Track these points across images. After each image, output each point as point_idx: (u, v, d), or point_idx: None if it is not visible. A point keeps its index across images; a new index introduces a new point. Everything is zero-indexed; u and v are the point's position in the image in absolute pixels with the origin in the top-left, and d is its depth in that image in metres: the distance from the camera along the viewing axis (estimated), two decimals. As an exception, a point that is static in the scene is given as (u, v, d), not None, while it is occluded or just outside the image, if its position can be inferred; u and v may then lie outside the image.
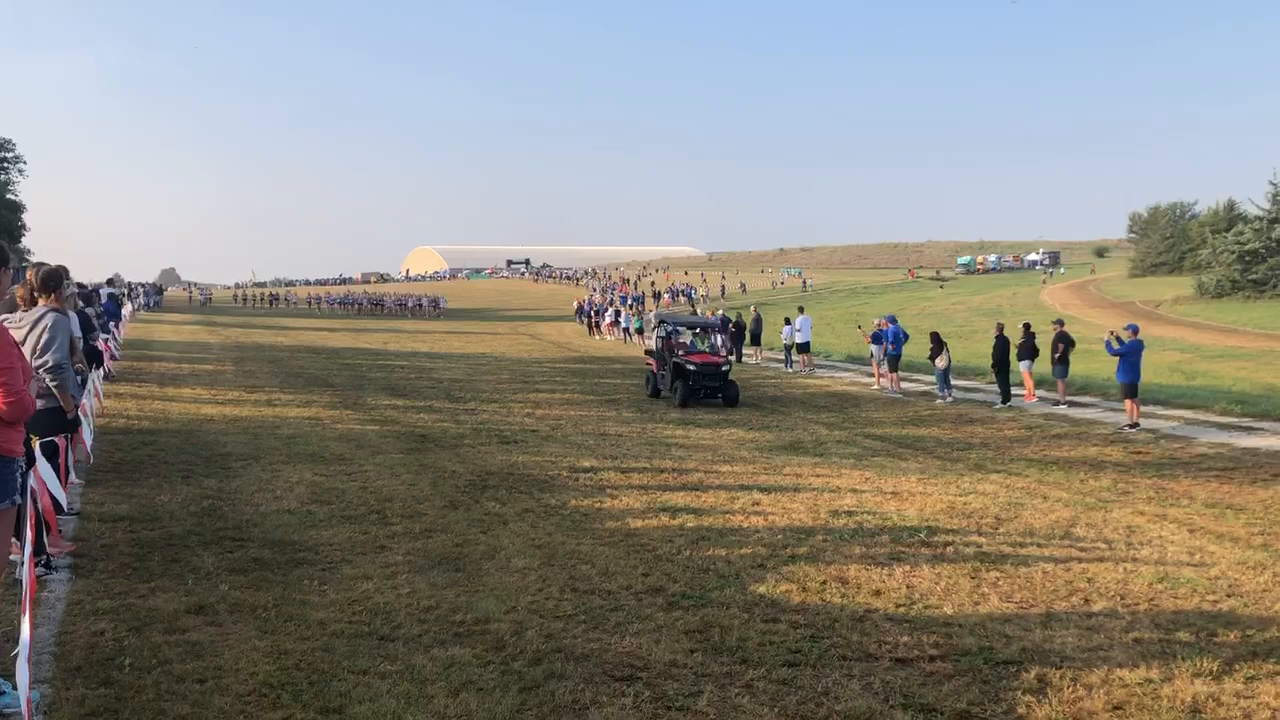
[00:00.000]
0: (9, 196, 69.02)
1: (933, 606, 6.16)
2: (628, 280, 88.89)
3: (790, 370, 26.63)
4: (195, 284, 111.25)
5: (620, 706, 4.45)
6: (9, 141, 69.84)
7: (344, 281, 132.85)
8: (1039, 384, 19.35)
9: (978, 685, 4.85)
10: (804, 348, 26.84)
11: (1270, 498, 10.18)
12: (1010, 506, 9.47)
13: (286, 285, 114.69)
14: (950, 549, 7.65)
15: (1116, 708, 4.62)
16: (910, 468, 12.03)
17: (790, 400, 19.98)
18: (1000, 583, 6.73)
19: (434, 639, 5.24)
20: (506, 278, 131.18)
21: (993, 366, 19.30)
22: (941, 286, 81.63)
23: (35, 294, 6.08)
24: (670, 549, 7.37)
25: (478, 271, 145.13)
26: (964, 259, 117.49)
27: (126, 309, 36.01)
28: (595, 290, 73.89)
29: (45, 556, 6.07)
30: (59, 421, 6.33)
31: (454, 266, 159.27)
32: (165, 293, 78.59)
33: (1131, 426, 15.03)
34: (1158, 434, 14.56)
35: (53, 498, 6.18)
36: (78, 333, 7.77)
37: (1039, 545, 7.90)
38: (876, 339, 22.47)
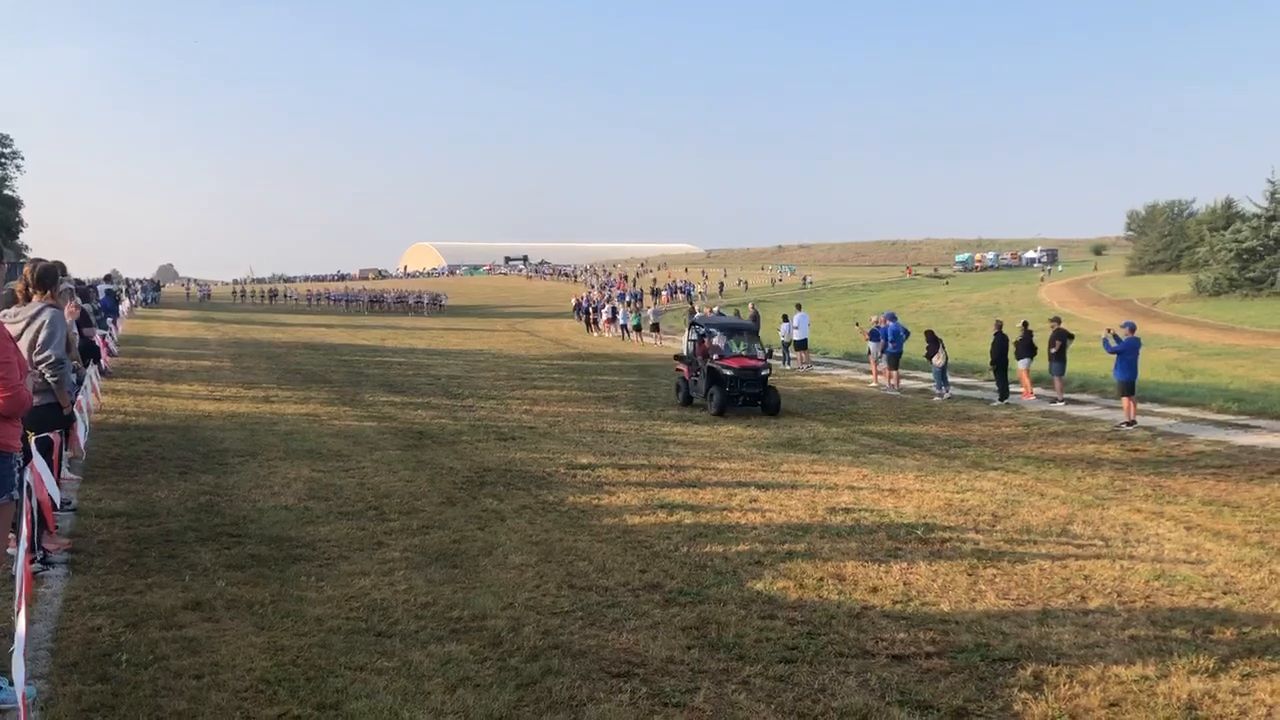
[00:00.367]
0: (6, 192, 68.94)
1: (929, 603, 6.16)
2: (626, 277, 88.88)
3: (788, 368, 26.64)
4: (195, 280, 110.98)
5: (617, 703, 4.45)
6: (6, 137, 69.78)
7: (342, 278, 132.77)
8: (1035, 382, 19.37)
9: (974, 682, 4.86)
10: (802, 345, 26.86)
11: (1267, 495, 10.19)
12: (1007, 504, 9.48)
13: (285, 281, 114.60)
14: (947, 546, 7.66)
15: (1112, 705, 4.63)
16: (907, 465, 12.04)
17: (788, 397, 19.97)
18: (997, 580, 6.74)
19: (431, 635, 5.24)
20: (505, 274, 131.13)
21: (991, 364, 19.30)
22: (946, 284, 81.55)
23: (31, 290, 6.07)
24: (667, 546, 7.37)
25: (476, 268, 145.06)
26: (962, 256, 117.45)
27: (124, 305, 35.96)
28: (593, 287, 73.87)
29: (42, 552, 6.07)
30: (54, 417, 6.32)
31: (452, 263, 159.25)
32: (163, 289, 78.53)
33: (1129, 424, 15.04)
34: (1155, 431, 14.57)
35: (49, 494, 6.17)
36: (73, 329, 7.76)
37: (1036, 542, 7.91)
38: (874, 336, 22.47)
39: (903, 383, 21.38)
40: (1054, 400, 18.15)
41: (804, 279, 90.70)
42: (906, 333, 21.57)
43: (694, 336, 19.37)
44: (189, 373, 19.88)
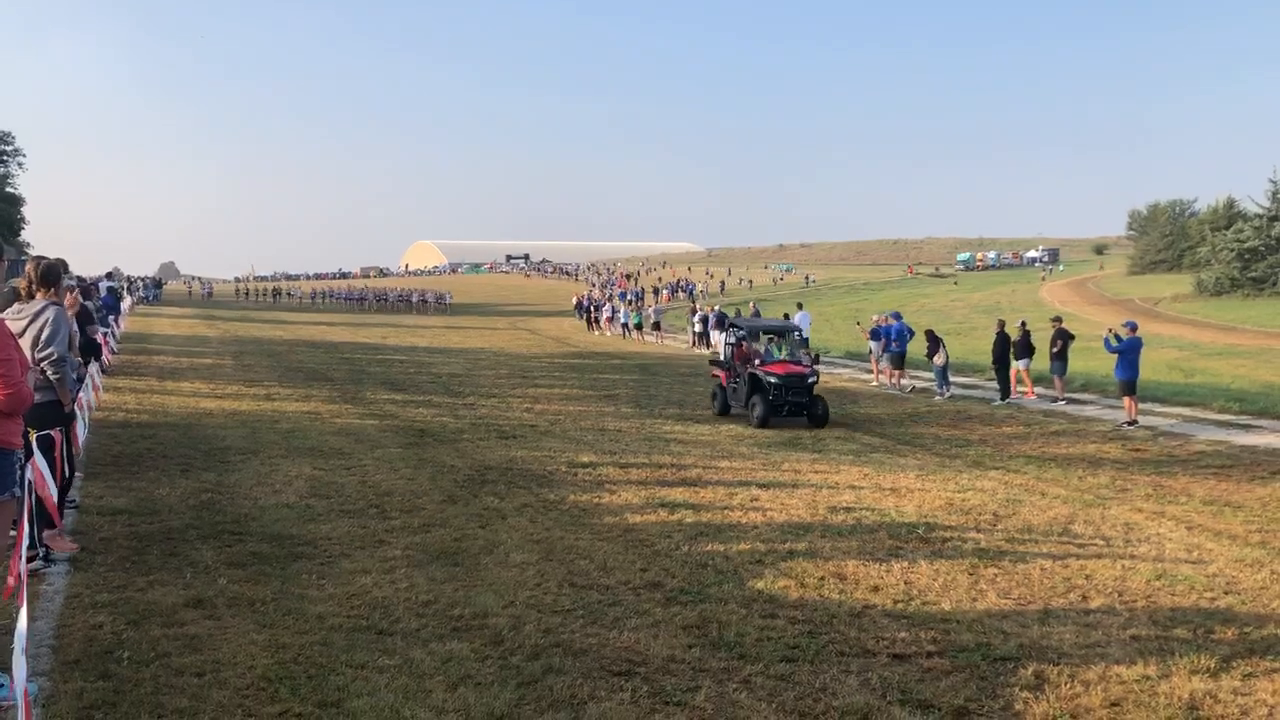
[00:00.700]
0: (8, 189, 68.92)
1: (930, 603, 6.16)
2: (629, 276, 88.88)
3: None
4: (198, 278, 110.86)
5: (618, 701, 4.45)
6: (8, 134, 69.73)
7: (343, 276, 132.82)
8: (1036, 381, 19.37)
9: (975, 681, 4.86)
10: (803, 344, 26.82)
11: (1268, 495, 10.19)
12: (1008, 503, 9.48)
13: (288, 279, 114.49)
14: (948, 545, 7.66)
15: (1114, 704, 4.62)
16: (908, 464, 12.03)
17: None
18: (998, 579, 6.74)
19: (432, 633, 5.24)
20: (506, 273, 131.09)
21: (993, 363, 19.29)
22: (956, 283, 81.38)
23: (34, 287, 6.07)
24: (668, 544, 7.37)
25: (476, 266, 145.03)
26: (963, 256, 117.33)
27: (126, 302, 35.98)
28: (594, 286, 73.84)
29: (44, 550, 6.08)
30: (55, 415, 6.33)
31: (453, 261, 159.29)
32: (165, 286, 78.49)
33: (1130, 424, 15.04)
34: (1156, 431, 14.56)
35: (50, 491, 6.17)
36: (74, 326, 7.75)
37: (1037, 542, 7.91)
38: (875, 335, 22.46)
39: (903, 382, 21.37)
40: (1055, 400, 18.14)
41: (806, 277, 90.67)
42: (911, 332, 21.53)
43: (732, 340, 17.69)
44: (190, 370, 19.89)
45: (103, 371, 15.50)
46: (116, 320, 24.48)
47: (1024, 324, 19.63)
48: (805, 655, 5.13)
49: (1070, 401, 18.03)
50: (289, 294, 77.11)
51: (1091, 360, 22.40)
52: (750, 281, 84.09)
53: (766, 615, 5.77)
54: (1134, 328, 16.32)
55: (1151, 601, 6.34)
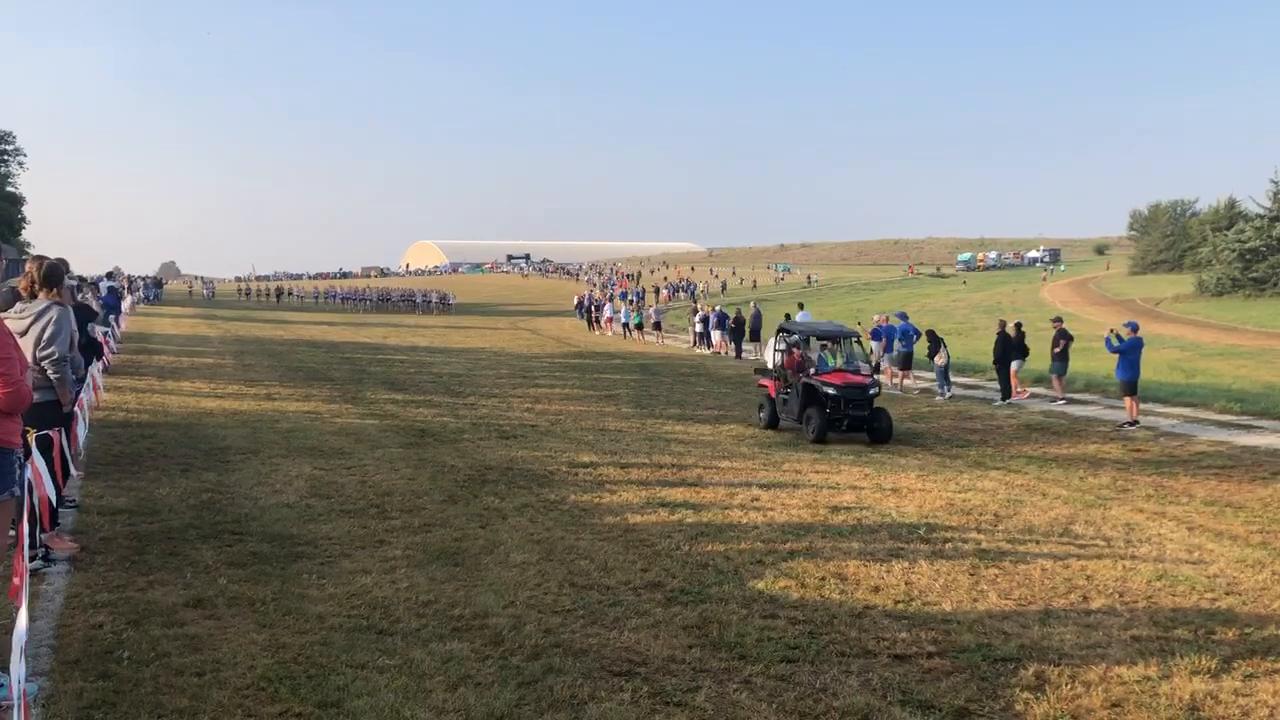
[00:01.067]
0: (9, 189, 69.00)
1: (931, 603, 6.16)
2: (630, 276, 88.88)
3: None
4: (201, 277, 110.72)
5: (618, 702, 4.45)
6: (9, 134, 69.91)
7: (344, 275, 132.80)
8: (1036, 381, 19.36)
9: (976, 682, 4.85)
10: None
11: (1269, 496, 10.18)
12: (1009, 504, 9.47)
13: (289, 279, 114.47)
14: (949, 546, 7.65)
15: (1114, 705, 4.62)
16: (909, 464, 12.03)
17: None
18: (999, 580, 6.73)
19: (432, 633, 5.24)
20: (507, 273, 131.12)
21: (994, 363, 19.29)
22: (964, 283, 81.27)
23: (36, 287, 6.07)
24: (669, 545, 7.37)
25: (477, 266, 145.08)
26: (964, 256, 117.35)
27: (126, 302, 35.99)
28: (595, 285, 73.83)
29: (44, 549, 6.08)
30: (54, 414, 6.33)
31: (454, 261, 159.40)
32: (165, 286, 78.46)
33: (1131, 424, 15.03)
34: (1157, 432, 14.56)
35: (47, 491, 6.17)
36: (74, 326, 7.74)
37: (1038, 542, 7.90)
38: (876, 335, 22.45)
39: (905, 382, 21.36)
40: (1056, 399, 18.14)
41: (809, 277, 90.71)
42: (917, 333, 21.51)
43: (782, 346, 16.25)
44: (191, 370, 19.89)
45: (104, 371, 15.49)
46: (117, 320, 24.48)
47: (1019, 325, 19.64)
48: (806, 655, 5.13)
49: (1071, 402, 18.02)
50: (291, 294, 76.95)
51: (1092, 361, 22.39)
52: (755, 282, 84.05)
53: (767, 615, 5.76)
54: (1135, 328, 16.32)
55: (1152, 602, 6.33)
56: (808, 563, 6.98)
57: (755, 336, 30.84)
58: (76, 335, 6.52)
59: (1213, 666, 5.08)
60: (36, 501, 5.44)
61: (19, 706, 3.46)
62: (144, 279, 68.14)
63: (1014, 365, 18.84)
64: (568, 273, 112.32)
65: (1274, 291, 56.80)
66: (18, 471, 4.56)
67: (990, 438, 14.72)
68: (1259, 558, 7.54)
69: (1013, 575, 6.84)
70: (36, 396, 5.42)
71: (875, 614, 5.89)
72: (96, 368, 12.98)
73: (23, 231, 70.52)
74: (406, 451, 11.32)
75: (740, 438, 14.06)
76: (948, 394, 19.44)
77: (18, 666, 3.51)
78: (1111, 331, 16.61)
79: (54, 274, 6.18)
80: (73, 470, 8.09)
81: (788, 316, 27.82)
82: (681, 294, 69.86)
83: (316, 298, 72.68)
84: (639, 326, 40.68)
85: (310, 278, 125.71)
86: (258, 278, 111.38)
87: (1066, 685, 4.81)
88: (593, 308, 47.03)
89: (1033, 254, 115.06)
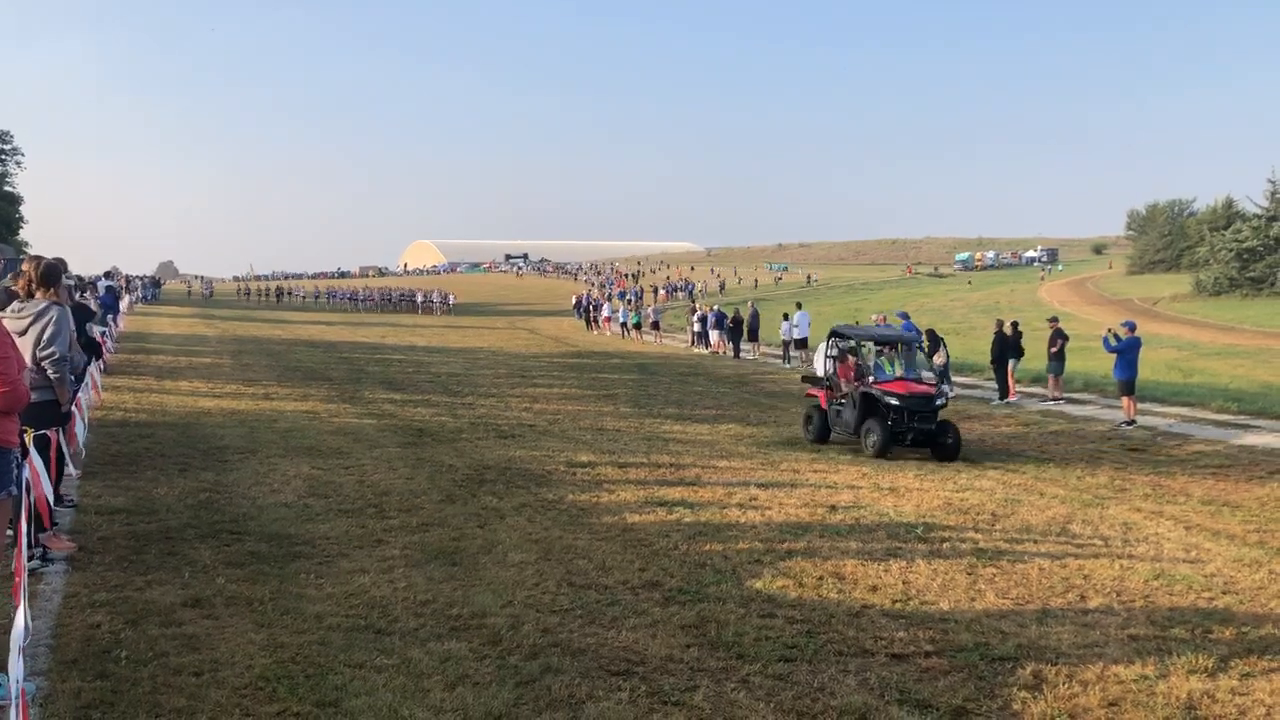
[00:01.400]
0: (6, 188, 68.91)
1: (929, 602, 6.17)
2: (628, 275, 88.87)
3: (788, 366, 26.64)
4: (200, 276, 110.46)
5: (616, 701, 4.45)
6: (7, 133, 69.74)
7: (342, 275, 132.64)
8: (1034, 381, 19.37)
9: (973, 681, 4.86)
10: (802, 344, 26.85)
11: (1266, 495, 10.20)
12: (1007, 503, 9.48)
13: (287, 278, 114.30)
14: (946, 545, 7.66)
15: (1112, 704, 4.63)
16: (907, 464, 12.05)
17: (788, 396, 19.99)
18: (996, 579, 6.74)
19: (430, 633, 5.24)
20: (505, 272, 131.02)
21: (991, 363, 19.30)
22: (970, 283, 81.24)
23: (34, 287, 6.07)
24: (667, 544, 7.37)
25: (475, 266, 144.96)
26: (962, 255, 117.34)
27: (124, 301, 35.95)
28: (593, 285, 73.80)
29: (41, 549, 6.08)
30: (52, 414, 6.33)
31: (452, 260, 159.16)
32: (163, 285, 78.33)
33: (1128, 424, 15.05)
34: (1154, 431, 14.57)
35: (45, 491, 6.17)
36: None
37: (1035, 542, 7.92)
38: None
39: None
40: (1053, 399, 18.15)
41: (808, 277, 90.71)
42: (918, 333, 21.51)
43: (834, 352, 14.83)
44: (189, 369, 19.87)
45: (103, 370, 15.48)
46: (115, 319, 24.46)
47: (1015, 324, 19.65)
48: (803, 655, 5.13)
49: (1069, 401, 18.04)
50: (290, 293, 76.66)
51: (1090, 360, 22.42)
52: (756, 281, 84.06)
53: (765, 615, 5.77)
54: (1133, 327, 16.33)
55: (1149, 601, 6.34)
56: (805, 562, 6.99)
57: (753, 336, 30.84)
58: (76, 334, 6.53)
59: (1210, 666, 5.09)
60: (34, 501, 5.44)
61: (17, 706, 3.46)
62: (142, 278, 68.03)
63: (1010, 365, 18.86)
64: (566, 272, 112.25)
65: (1271, 291, 56.87)
66: (15, 471, 4.56)
67: (988, 437, 14.74)
68: (1256, 557, 7.56)
69: (1010, 574, 6.85)
70: (34, 396, 5.43)
71: (873, 613, 5.90)
72: (95, 367, 12.98)
73: (20, 231, 70.39)
74: (404, 451, 11.32)
75: (738, 437, 14.07)
76: (951, 393, 19.44)
77: (16, 666, 3.52)
78: (1109, 331, 16.62)
79: (52, 274, 6.18)
80: (69, 468, 8.09)
81: (786, 316, 27.85)
82: (679, 294, 69.83)
83: (317, 297, 72.41)
84: (637, 326, 40.67)
85: (309, 277, 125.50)
86: (256, 277, 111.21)
87: (1064, 684, 4.82)
88: (591, 307, 47.02)
89: (1030, 254, 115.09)
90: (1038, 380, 19.54)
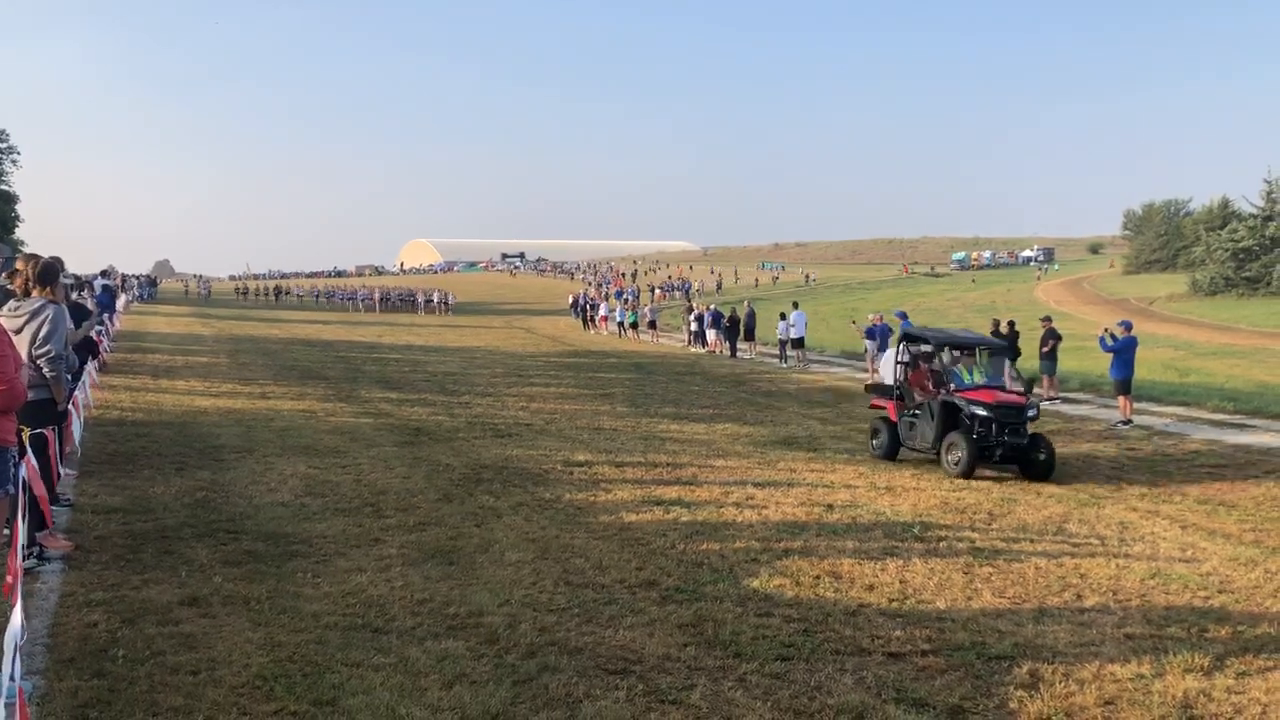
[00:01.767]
0: (2, 187, 68.72)
1: (925, 601, 6.18)
2: (625, 274, 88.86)
3: (785, 366, 26.64)
4: (198, 275, 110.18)
5: (613, 700, 4.46)
6: (3, 132, 69.47)
7: (339, 274, 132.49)
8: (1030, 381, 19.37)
9: (970, 680, 4.87)
10: (798, 343, 26.86)
11: (1261, 494, 10.22)
12: (1003, 502, 9.50)
13: (284, 277, 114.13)
14: (943, 544, 7.67)
15: (1108, 703, 4.64)
16: (903, 463, 12.05)
17: (784, 395, 20.00)
18: (993, 578, 6.75)
19: (427, 632, 5.24)
20: (501, 271, 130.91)
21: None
22: (974, 281, 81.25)
23: (30, 286, 6.06)
24: (664, 543, 7.38)
25: (472, 265, 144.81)
26: (958, 255, 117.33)
27: (120, 300, 35.88)
28: (590, 284, 73.78)
29: (38, 548, 6.07)
30: (49, 413, 6.32)
31: (449, 260, 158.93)
32: (160, 284, 78.16)
33: (1124, 423, 15.07)
34: (1150, 431, 14.59)
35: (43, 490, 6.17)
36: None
37: (1031, 541, 7.93)
38: (870, 334, 22.48)
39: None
40: (1048, 399, 18.16)
41: (806, 276, 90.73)
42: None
43: (905, 358, 13.15)
44: (185, 369, 19.84)
45: (100, 369, 15.45)
46: (112, 318, 24.41)
47: (1012, 324, 19.66)
48: (800, 654, 5.14)
49: (1064, 401, 18.06)
50: (288, 292, 76.42)
51: (1086, 360, 22.45)
52: (756, 280, 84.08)
53: (762, 614, 5.77)
54: (1129, 327, 16.34)
55: (1146, 600, 6.36)
56: (802, 561, 7.00)
57: (750, 335, 30.83)
58: (72, 333, 6.53)
59: (1206, 664, 5.10)
60: (32, 500, 5.43)
61: (15, 705, 3.46)
62: (139, 277, 67.84)
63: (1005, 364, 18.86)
64: (563, 271, 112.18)
65: (1267, 291, 56.96)
66: (11, 470, 4.56)
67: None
68: (1251, 556, 7.57)
69: (1007, 574, 6.87)
70: (31, 395, 5.42)
71: (870, 612, 5.91)
72: (92, 366, 12.96)
73: (16, 229, 70.19)
74: (401, 450, 11.32)
75: (735, 436, 14.07)
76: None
77: (12, 665, 3.51)
78: (1106, 330, 16.64)
79: (49, 272, 6.18)
80: (63, 468, 8.07)
81: (783, 316, 27.84)
82: (676, 293, 69.82)
83: (316, 297, 72.13)
84: (634, 325, 40.65)
85: (306, 276, 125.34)
86: (252, 276, 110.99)
87: (1060, 683, 4.83)
88: (588, 306, 46.99)
89: (1027, 253, 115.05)
90: (1033, 380, 19.54)
